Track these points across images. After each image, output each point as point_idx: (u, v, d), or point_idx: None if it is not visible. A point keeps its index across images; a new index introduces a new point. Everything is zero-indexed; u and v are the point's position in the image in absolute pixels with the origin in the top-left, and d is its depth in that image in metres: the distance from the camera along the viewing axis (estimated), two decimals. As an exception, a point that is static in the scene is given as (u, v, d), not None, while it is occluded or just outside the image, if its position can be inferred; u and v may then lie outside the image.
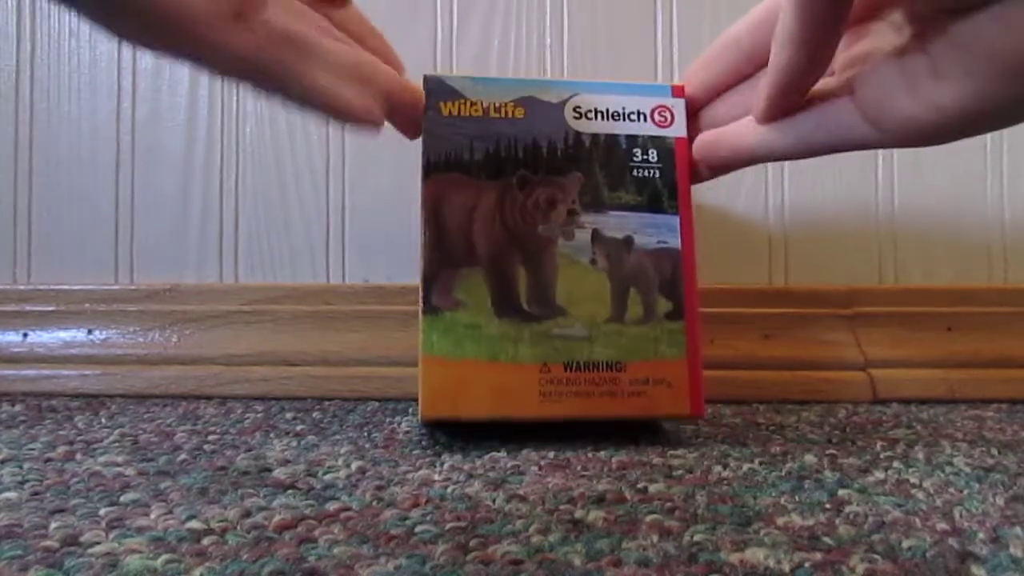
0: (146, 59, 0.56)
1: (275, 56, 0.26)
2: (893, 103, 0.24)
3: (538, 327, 0.34)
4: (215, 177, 0.55)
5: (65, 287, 0.54)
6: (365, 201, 0.55)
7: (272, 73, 0.26)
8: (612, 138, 0.36)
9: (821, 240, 0.54)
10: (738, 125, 0.32)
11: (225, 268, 0.55)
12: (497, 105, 0.36)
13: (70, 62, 0.56)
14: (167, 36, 0.24)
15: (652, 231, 0.36)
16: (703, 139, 0.34)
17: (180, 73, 0.56)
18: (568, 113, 0.36)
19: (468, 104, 0.36)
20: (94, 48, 0.56)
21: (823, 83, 0.28)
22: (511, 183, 0.35)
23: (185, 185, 0.55)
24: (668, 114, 0.37)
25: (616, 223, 0.36)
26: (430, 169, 0.35)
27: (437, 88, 0.36)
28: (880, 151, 0.53)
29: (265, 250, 0.55)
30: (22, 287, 0.55)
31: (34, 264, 0.56)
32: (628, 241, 0.36)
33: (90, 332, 0.53)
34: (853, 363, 0.50)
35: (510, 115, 0.36)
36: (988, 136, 0.53)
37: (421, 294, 0.34)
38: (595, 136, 0.36)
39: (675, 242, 0.36)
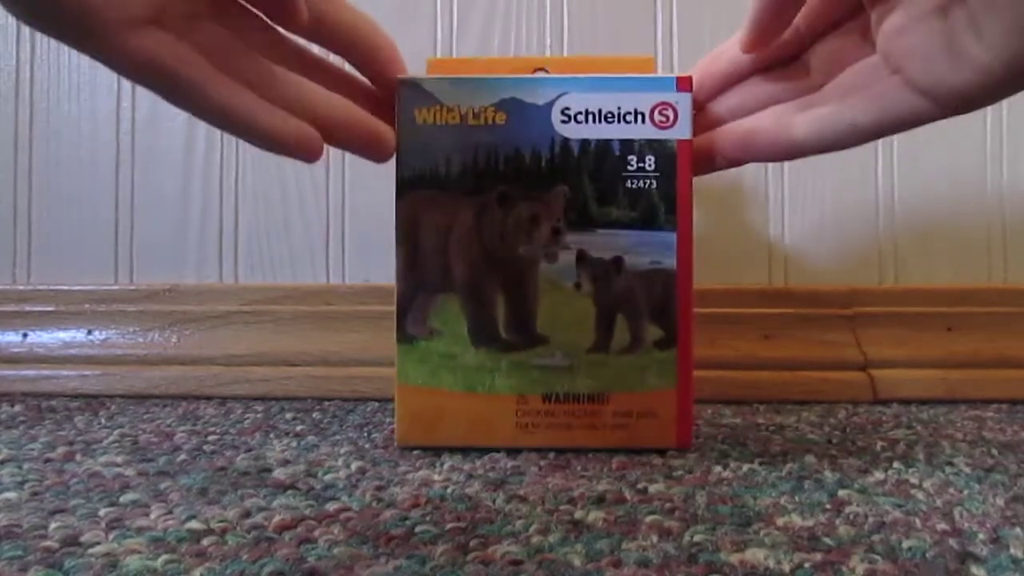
0: (146, 59, 0.56)
1: (184, 70, 0.25)
2: (940, 68, 0.24)
3: (516, 356, 0.33)
4: (215, 177, 0.55)
5: (65, 287, 0.54)
6: (365, 201, 0.55)
7: (178, 87, 0.25)
8: (604, 144, 0.33)
9: (821, 240, 0.54)
10: (776, 118, 0.30)
11: (225, 268, 0.55)
12: (476, 110, 0.33)
13: (70, 62, 0.56)
14: (75, 29, 0.23)
15: (645, 250, 0.33)
16: (730, 135, 0.31)
17: (180, 73, 0.56)
18: (556, 116, 0.33)
19: (444, 111, 0.33)
20: (94, 48, 0.56)
21: (871, 66, 0.28)
22: (490, 199, 0.33)
23: (185, 185, 0.55)
24: (671, 112, 0.33)
25: (605, 242, 0.33)
26: (404, 186, 0.33)
27: (411, 93, 0.33)
28: (880, 151, 0.53)
29: (265, 250, 0.55)
30: (22, 287, 0.55)
31: (34, 264, 0.56)
32: (617, 262, 0.33)
33: (90, 332, 0.53)
34: (853, 363, 0.50)
35: (490, 121, 0.33)
36: (988, 136, 0.54)
37: (396, 322, 0.33)
38: (585, 142, 0.33)
39: (670, 262, 0.33)
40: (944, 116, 0.26)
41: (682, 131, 0.33)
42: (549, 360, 0.33)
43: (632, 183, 0.33)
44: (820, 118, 0.29)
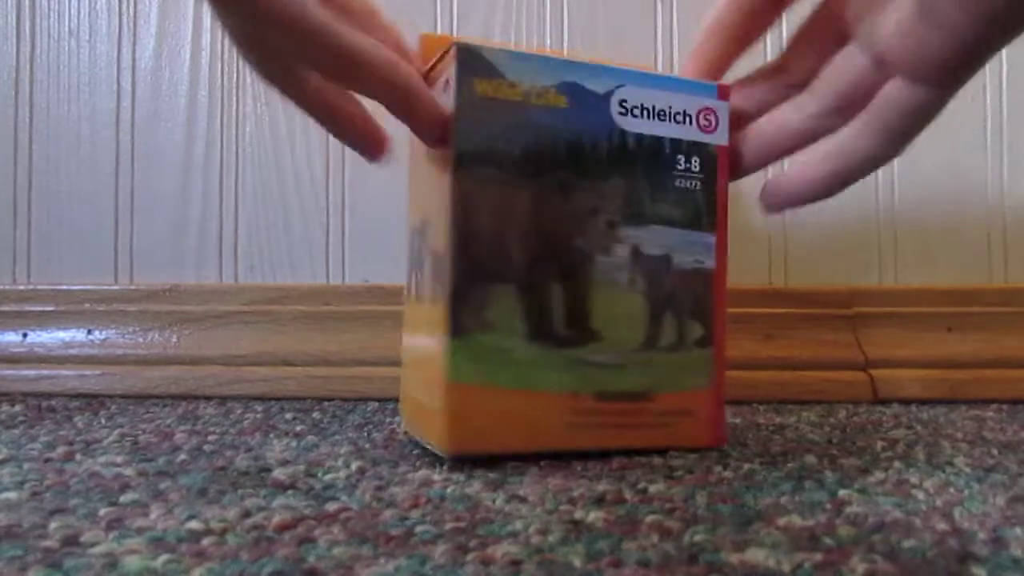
0: (146, 59, 0.56)
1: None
2: (920, 43, 0.24)
3: (571, 353, 0.31)
4: (215, 177, 0.55)
5: (65, 287, 0.54)
6: (365, 201, 0.55)
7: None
8: (657, 141, 0.32)
9: (821, 240, 0.54)
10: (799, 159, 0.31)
11: (225, 268, 0.55)
12: (538, 90, 0.30)
13: (70, 62, 0.56)
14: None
15: (688, 249, 0.33)
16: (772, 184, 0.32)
17: (180, 73, 0.56)
18: (614, 107, 0.31)
19: (506, 85, 0.30)
20: (94, 48, 0.56)
21: (862, 74, 0.28)
22: (551, 186, 0.31)
23: (185, 185, 0.55)
24: (713, 118, 0.33)
25: (656, 239, 0.32)
26: (463, 161, 0.30)
27: (471, 61, 0.30)
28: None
29: (265, 250, 0.55)
30: (22, 287, 0.55)
31: (34, 264, 0.56)
32: (667, 260, 0.32)
33: (90, 332, 0.53)
34: (853, 363, 0.50)
35: (551, 103, 0.31)
36: (989, 136, 0.53)
37: (448, 312, 0.29)
38: (640, 137, 0.32)
39: (710, 263, 0.33)
40: (940, 99, 0.26)
41: (721, 137, 0.33)
42: (601, 357, 0.31)
43: (680, 182, 0.33)
44: (838, 157, 0.29)
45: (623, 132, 0.32)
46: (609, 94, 0.32)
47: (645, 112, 0.32)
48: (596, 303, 0.31)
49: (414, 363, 0.34)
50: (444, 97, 0.30)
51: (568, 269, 0.31)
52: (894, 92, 0.27)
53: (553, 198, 0.31)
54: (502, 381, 0.30)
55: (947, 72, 0.25)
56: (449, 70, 0.30)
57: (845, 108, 0.29)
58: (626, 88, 0.32)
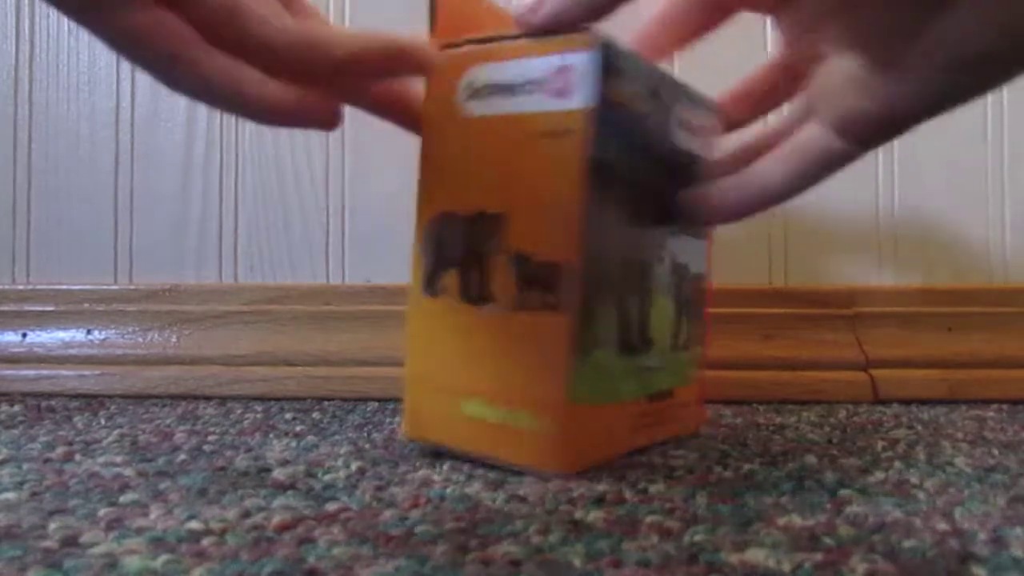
0: (145, 59, 0.56)
1: (177, 47, 0.24)
2: (854, 104, 0.26)
3: (639, 360, 0.31)
4: (214, 177, 0.55)
5: (64, 287, 0.54)
6: (365, 200, 0.55)
7: (171, 65, 0.25)
8: (688, 153, 0.33)
9: (821, 240, 0.54)
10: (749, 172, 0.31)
11: (224, 268, 0.55)
12: (638, 94, 0.29)
13: (69, 61, 0.56)
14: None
15: (695, 257, 0.35)
16: (721, 188, 0.31)
17: (179, 73, 0.56)
18: (675, 119, 0.31)
19: (624, 89, 0.28)
20: (93, 48, 0.56)
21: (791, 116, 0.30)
22: (635, 194, 0.30)
23: (184, 185, 0.55)
24: (716, 131, 0.34)
25: (682, 248, 0.34)
26: (596, 167, 0.27)
27: (608, 59, 0.27)
28: (880, 151, 0.53)
29: (265, 250, 0.55)
30: (21, 287, 0.55)
31: (33, 264, 0.56)
32: (687, 267, 0.34)
33: (89, 332, 0.53)
34: (853, 363, 0.50)
35: (643, 110, 0.29)
36: (989, 136, 0.53)
37: (574, 329, 0.27)
38: (683, 150, 0.32)
39: (703, 267, 0.36)
40: (858, 153, 0.27)
41: (714, 151, 0.34)
42: (652, 361, 0.32)
43: None
44: (771, 166, 0.30)
45: (675, 143, 0.32)
46: (671, 105, 0.31)
47: (685, 126, 0.32)
48: (652, 311, 0.32)
49: (477, 374, 0.30)
50: (556, 83, 0.27)
51: (639, 279, 0.31)
52: (818, 138, 0.27)
53: (635, 207, 0.30)
54: (600, 396, 0.29)
55: (873, 136, 0.26)
56: (573, 60, 0.27)
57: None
58: (681, 103, 0.32)
